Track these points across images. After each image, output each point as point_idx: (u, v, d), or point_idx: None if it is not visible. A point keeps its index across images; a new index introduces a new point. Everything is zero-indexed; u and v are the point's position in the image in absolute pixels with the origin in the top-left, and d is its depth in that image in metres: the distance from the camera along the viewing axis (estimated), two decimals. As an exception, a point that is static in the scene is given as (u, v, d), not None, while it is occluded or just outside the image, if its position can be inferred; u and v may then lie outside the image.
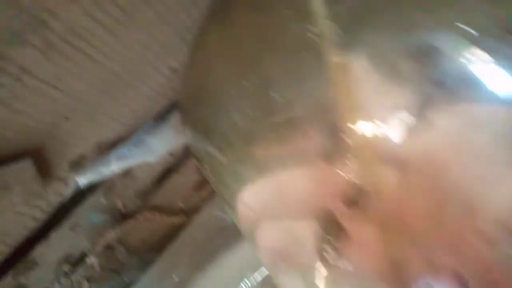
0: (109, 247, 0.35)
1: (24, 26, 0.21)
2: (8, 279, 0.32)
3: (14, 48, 0.21)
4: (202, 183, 0.38)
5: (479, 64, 0.12)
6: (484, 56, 0.12)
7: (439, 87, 0.12)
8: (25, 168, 0.26)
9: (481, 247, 0.11)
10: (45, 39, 0.22)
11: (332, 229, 0.14)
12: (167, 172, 0.36)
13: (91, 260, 0.35)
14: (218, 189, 0.23)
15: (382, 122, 0.13)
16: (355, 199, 0.13)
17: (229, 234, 0.37)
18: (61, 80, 0.24)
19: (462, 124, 0.12)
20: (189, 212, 0.39)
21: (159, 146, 0.31)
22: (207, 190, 0.39)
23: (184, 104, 0.28)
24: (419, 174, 0.12)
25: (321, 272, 0.14)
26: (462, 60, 0.13)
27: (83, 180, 0.30)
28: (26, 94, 0.24)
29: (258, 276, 0.34)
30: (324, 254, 0.14)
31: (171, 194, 0.37)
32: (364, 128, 0.14)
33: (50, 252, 0.33)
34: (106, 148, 0.31)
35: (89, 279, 0.36)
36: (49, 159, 0.28)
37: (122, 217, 0.35)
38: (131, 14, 0.24)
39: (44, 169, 0.28)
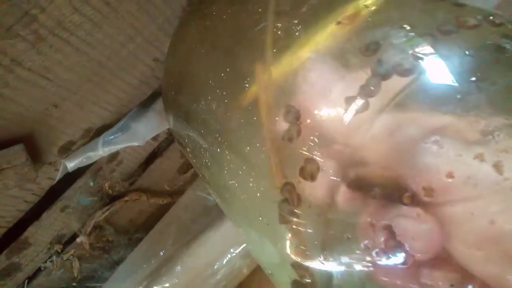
0: (98, 227, 0.37)
1: (15, 21, 0.22)
2: (2, 258, 0.34)
3: (6, 42, 0.23)
4: (186, 166, 0.41)
5: (415, 58, 0.15)
6: (421, 51, 0.15)
7: (377, 76, 0.15)
8: (18, 153, 0.28)
9: None
10: (35, 33, 0.24)
11: (290, 196, 0.16)
12: (152, 156, 0.38)
13: (81, 239, 0.37)
14: (199, 171, 0.25)
15: (331, 108, 0.15)
16: (309, 171, 0.16)
17: (213, 214, 0.39)
18: (51, 71, 0.26)
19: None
20: (174, 194, 0.41)
21: (144, 131, 0.33)
22: (190, 173, 0.41)
23: (167, 92, 0.29)
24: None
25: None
26: (396, 51, 0.15)
27: (71, 164, 0.32)
28: (17, 84, 0.25)
29: (238, 251, 0.37)
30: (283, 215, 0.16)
31: (156, 177, 0.39)
32: (316, 107, 0.16)
33: (42, 232, 0.35)
34: (94, 134, 0.32)
35: (79, 258, 0.38)
36: (39, 145, 0.30)
37: (109, 198, 0.37)
38: (115, 7, 0.26)
39: (35, 154, 0.30)
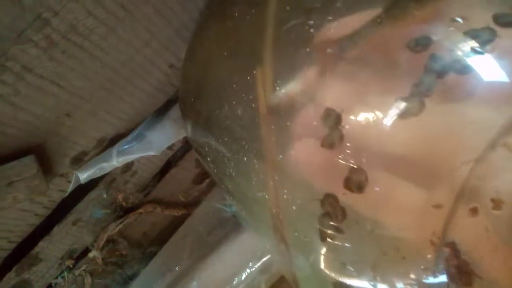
0: (111, 241, 0.36)
1: (27, 25, 0.21)
2: (12, 275, 0.32)
3: (17, 47, 0.22)
4: (202, 176, 0.39)
5: (471, 54, 0.13)
6: (479, 46, 0.13)
7: (433, 76, 0.13)
8: (28, 165, 0.27)
9: None
10: (47, 38, 0.22)
11: (333, 210, 0.14)
12: (167, 166, 0.36)
13: (94, 254, 0.35)
14: (221, 182, 0.24)
15: (379, 110, 0.14)
16: (356, 181, 0.14)
17: (229, 226, 0.38)
18: (63, 78, 0.25)
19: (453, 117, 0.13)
20: (189, 205, 0.39)
21: (160, 140, 0.31)
22: (206, 183, 0.40)
23: (185, 99, 0.28)
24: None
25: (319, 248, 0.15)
26: (456, 50, 0.13)
27: (84, 175, 0.31)
28: (28, 92, 0.24)
29: (258, 265, 0.35)
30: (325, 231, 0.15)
31: (171, 188, 0.38)
32: (361, 116, 0.14)
33: (53, 247, 0.33)
34: (107, 144, 0.31)
35: (91, 273, 0.36)
36: (51, 156, 0.28)
37: (123, 211, 0.35)
38: (131, 11, 0.25)
39: (47, 165, 0.28)
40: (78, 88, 0.26)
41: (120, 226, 0.34)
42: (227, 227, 0.37)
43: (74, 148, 0.29)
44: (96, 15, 0.23)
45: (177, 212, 0.38)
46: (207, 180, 0.39)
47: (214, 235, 0.38)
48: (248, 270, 0.35)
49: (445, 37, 0.14)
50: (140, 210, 0.35)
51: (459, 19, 0.14)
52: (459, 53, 0.13)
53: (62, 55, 0.24)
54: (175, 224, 0.39)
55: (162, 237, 0.39)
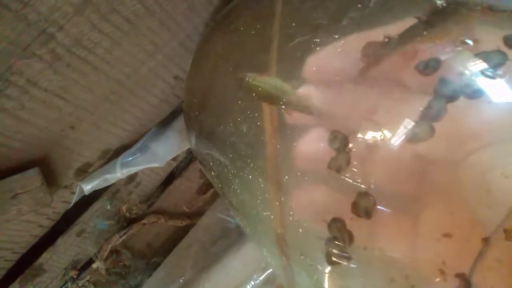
0: (115, 252, 0.36)
1: (32, 40, 0.21)
2: (15, 286, 0.32)
3: (22, 61, 0.22)
4: (206, 186, 0.39)
5: (482, 78, 0.13)
6: (490, 69, 0.13)
7: (442, 101, 0.13)
8: (33, 177, 0.27)
9: None
10: (52, 52, 0.22)
11: (340, 234, 0.14)
12: (170, 176, 0.36)
13: (97, 265, 0.35)
14: (225, 197, 0.23)
15: (388, 132, 0.13)
16: (363, 206, 0.14)
17: (233, 236, 0.38)
18: (68, 91, 0.25)
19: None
20: (193, 216, 0.39)
21: (164, 152, 0.31)
22: (210, 193, 0.39)
23: (189, 112, 0.28)
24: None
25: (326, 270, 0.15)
26: (467, 74, 0.13)
27: (88, 187, 0.30)
28: (33, 105, 0.24)
29: (262, 277, 0.35)
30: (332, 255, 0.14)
31: (175, 198, 0.37)
32: (369, 139, 0.14)
33: (56, 258, 0.33)
34: (111, 155, 0.31)
35: (95, 284, 0.36)
36: (55, 168, 0.28)
37: (127, 222, 0.35)
38: (136, 24, 0.25)
39: (51, 177, 0.28)
40: (83, 100, 0.26)
41: (124, 237, 0.34)
42: (231, 238, 0.37)
43: (78, 160, 0.29)
44: (101, 29, 0.23)
45: (180, 223, 0.37)
46: (211, 190, 0.39)
47: (218, 246, 0.37)
48: (252, 282, 0.35)
49: (454, 59, 0.13)
50: (144, 221, 0.35)
51: (469, 41, 0.14)
52: (470, 77, 0.13)
53: (67, 69, 0.24)
54: (179, 235, 0.39)
55: (166, 247, 0.39)
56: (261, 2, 0.23)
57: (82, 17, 0.22)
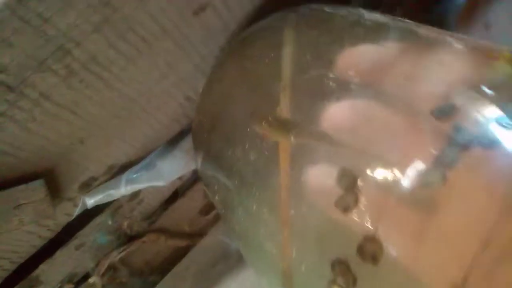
0: (112, 268, 0.35)
1: (48, 55, 0.21)
2: (11, 296, 0.32)
3: (37, 75, 0.22)
4: (209, 207, 0.38)
5: (499, 128, 0.13)
6: (505, 120, 0.13)
7: (457, 149, 0.13)
8: (37, 189, 0.27)
9: None
10: (68, 67, 0.22)
11: (344, 277, 0.14)
12: (174, 195, 0.36)
13: (94, 280, 0.34)
14: (227, 222, 0.23)
15: (399, 176, 0.13)
16: (370, 251, 0.13)
17: (233, 260, 0.37)
18: (79, 106, 0.25)
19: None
20: (194, 236, 0.39)
21: (170, 171, 0.31)
22: (213, 214, 0.39)
23: (197, 132, 0.28)
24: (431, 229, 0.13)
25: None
26: (480, 118, 0.13)
27: (91, 201, 0.30)
28: (44, 118, 0.24)
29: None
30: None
31: (177, 217, 0.37)
32: (380, 177, 0.14)
33: (54, 270, 0.33)
34: (117, 170, 0.31)
35: (90, 299, 0.35)
36: (60, 180, 0.28)
37: (127, 238, 0.35)
38: (151, 43, 0.25)
39: (55, 189, 0.28)
40: (94, 116, 0.26)
41: (123, 253, 0.34)
42: (231, 262, 0.36)
43: (84, 174, 0.29)
44: (117, 47, 0.24)
45: (181, 243, 0.37)
46: (214, 212, 0.39)
47: (217, 269, 0.37)
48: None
49: (471, 107, 0.13)
50: (144, 239, 0.35)
51: (486, 89, 0.13)
52: (486, 126, 0.13)
53: (80, 84, 0.24)
54: (179, 254, 0.38)
55: (165, 266, 0.39)
56: (277, 31, 0.23)
57: (99, 35, 0.22)
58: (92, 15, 0.21)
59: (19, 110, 0.23)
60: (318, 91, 0.17)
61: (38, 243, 0.31)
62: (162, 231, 0.36)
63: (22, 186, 0.26)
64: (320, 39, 0.20)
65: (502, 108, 0.13)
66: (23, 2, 0.19)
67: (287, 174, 0.16)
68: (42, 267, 0.32)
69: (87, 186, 0.30)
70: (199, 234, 0.38)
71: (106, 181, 0.31)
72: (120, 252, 0.34)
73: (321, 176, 0.15)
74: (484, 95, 0.13)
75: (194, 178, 0.36)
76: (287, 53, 0.21)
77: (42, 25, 0.20)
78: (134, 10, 0.23)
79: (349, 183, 0.14)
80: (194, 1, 0.25)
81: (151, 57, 0.25)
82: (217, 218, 0.39)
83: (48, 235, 0.31)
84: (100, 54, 0.23)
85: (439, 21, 0.38)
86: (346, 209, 0.14)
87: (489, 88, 0.13)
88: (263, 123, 0.19)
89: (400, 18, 0.21)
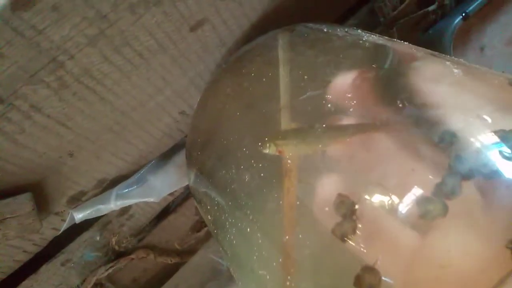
0: (99, 285, 0.34)
1: (41, 67, 0.21)
2: (-9, 312, 0.31)
3: (28, 87, 0.21)
4: (200, 224, 0.38)
5: (500, 158, 0.12)
6: (506, 150, 0.12)
7: (458, 178, 0.12)
8: (24, 203, 0.26)
9: None
10: (60, 80, 0.22)
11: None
12: (165, 211, 0.35)
13: (79, 297, 0.33)
14: (219, 243, 0.22)
15: (399, 207, 0.13)
16: (367, 282, 0.13)
17: (223, 279, 0.36)
18: (71, 119, 0.24)
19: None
20: (184, 253, 0.38)
21: (161, 186, 0.30)
22: (204, 231, 0.38)
23: (191, 149, 0.27)
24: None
25: None
26: (484, 152, 0.13)
27: (80, 215, 0.30)
28: (33, 131, 0.23)
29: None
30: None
31: (167, 234, 0.36)
32: (379, 204, 0.13)
33: (38, 286, 0.32)
34: (107, 184, 0.30)
35: (74, 317, 0.34)
36: (48, 193, 0.27)
37: (115, 254, 0.34)
38: (147, 59, 0.25)
39: (43, 203, 0.27)
40: (85, 129, 0.25)
41: (110, 270, 0.33)
42: (221, 281, 0.35)
43: (73, 188, 0.28)
44: (112, 61, 0.23)
45: (170, 260, 0.36)
46: (206, 229, 0.38)
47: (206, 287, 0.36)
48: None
49: (471, 135, 0.13)
50: (132, 256, 0.34)
51: (487, 118, 0.13)
52: (487, 156, 0.12)
53: (73, 97, 0.23)
54: (167, 272, 0.37)
55: (152, 284, 0.38)
56: (273, 50, 0.22)
57: (94, 48, 0.22)
58: (88, 28, 0.21)
59: (8, 122, 0.22)
60: (315, 113, 0.17)
61: (23, 258, 0.30)
62: (151, 248, 0.35)
63: (9, 200, 0.25)
64: (317, 60, 0.20)
65: (503, 138, 0.12)
66: (17, 13, 0.18)
67: (285, 198, 0.16)
68: (26, 283, 0.31)
69: (76, 200, 0.29)
70: (189, 252, 0.38)
71: (95, 195, 0.30)
72: (108, 269, 0.33)
73: (318, 201, 0.14)
74: (486, 123, 0.13)
75: (186, 194, 0.36)
76: (284, 73, 0.21)
77: (35, 37, 0.19)
78: (131, 24, 0.22)
79: (347, 210, 0.14)
80: (191, 17, 0.24)
81: (146, 72, 0.25)
82: (208, 236, 0.38)
83: (34, 249, 0.30)
84: (94, 67, 0.23)
85: (435, 42, 0.38)
86: (343, 237, 0.13)
87: (490, 117, 0.13)
88: (261, 143, 0.18)
89: (397, 40, 0.21)
